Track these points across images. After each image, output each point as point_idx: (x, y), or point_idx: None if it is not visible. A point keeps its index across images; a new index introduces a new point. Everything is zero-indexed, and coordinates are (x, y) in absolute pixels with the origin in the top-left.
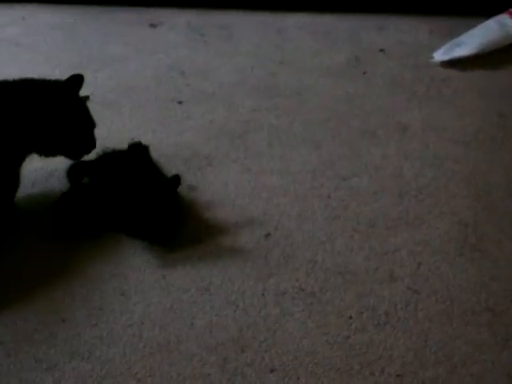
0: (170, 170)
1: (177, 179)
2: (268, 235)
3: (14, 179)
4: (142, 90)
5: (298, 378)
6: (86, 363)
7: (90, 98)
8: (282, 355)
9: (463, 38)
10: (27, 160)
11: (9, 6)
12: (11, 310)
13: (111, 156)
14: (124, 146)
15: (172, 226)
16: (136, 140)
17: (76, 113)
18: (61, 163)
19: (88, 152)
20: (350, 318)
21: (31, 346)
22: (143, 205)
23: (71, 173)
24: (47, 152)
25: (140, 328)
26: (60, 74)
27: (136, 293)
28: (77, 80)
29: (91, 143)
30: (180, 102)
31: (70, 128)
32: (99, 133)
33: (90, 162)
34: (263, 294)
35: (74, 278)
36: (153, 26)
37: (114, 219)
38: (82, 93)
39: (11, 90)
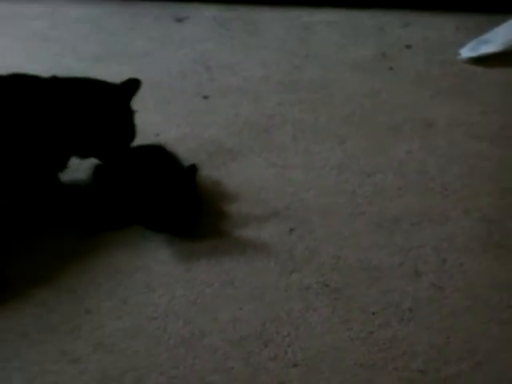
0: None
1: (193, 169)
2: (292, 230)
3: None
4: (167, 85)
5: (321, 373)
6: (110, 355)
7: None
8: (306, 350)
9: (489, 35)
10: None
11: (35, 0)
12: (36, 301)
13: (132, 151)
14: (148, 140)
15: (191, 215)
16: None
17: (125, 119)
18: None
19: (119, 157)
20: (374, 313)
21: (56, 337)
22: (160, 195)
23: (97, 168)
24: (87, 154)
25: (164, 321)
26: (86, 67)
27: (160, 286)
28: (133, 84)
29: (126, 149)
30: (205, 97)
31: (117, 134)
32: None
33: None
34: (287, 289)
35: (98, 271)
36: (178, 20)
37: (135, 212)
38: None
39: (64, 88)
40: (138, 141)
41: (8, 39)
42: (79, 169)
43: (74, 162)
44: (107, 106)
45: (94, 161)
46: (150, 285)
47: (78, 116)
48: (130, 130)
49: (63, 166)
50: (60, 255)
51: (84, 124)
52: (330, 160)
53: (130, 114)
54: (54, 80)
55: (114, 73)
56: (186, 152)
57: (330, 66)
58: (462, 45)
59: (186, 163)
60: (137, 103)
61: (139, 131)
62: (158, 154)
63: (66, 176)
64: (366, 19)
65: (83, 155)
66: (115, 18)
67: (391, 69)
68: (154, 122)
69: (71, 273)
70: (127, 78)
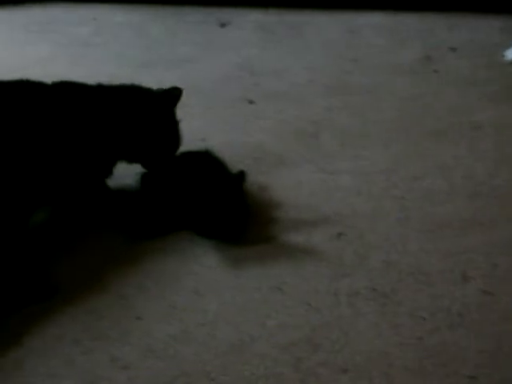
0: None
1: (242, 175)
2: (341, 235)
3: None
4: (212, 90)
5: (371, 379)
6: (160, 361)
7: None
8: (355, 355)
9: None
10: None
11: (80, 6)
12: (86, 307)
13: (179, 157)
14: (194, 146)
15: (239, 221)
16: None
17: (169, 126)
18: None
19: (163, 164)
20: (423, 318)
21: (106, 343)
22: (209, 202)
23: (145, 174)
24: (132, 160)
25: (213, 327)
26: (130, 73)
27: (209, 291)
28: (175, 92)
29: (170, 157)
30: (251, 102)
31: (160, 141)
32: None
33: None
34: (336, 294)
35: (147, 276)
36: (222, 25)
37: (183, 218)
38: None
39: (110, 96)
40: (185, 146)
41: (51, 45)
42: (127, 174)
43: (122, 167)
44: (151, 113)
45: (141, 167)
46: (198, 290)
47: (123, 123)
48: (174, 138)
49: (109, 171)
50: (109, 261)
51: (128, 131)
52: (378, 165)
53: (173, 121)
54: (100, 87)
55: (158, 79)
56: (232, 157)
57: (376, 69)
58: (507, 47)
59: (233, 169)
60: (182, 109)
61: (185, 136)
62: (206, 160)
63: (115, 182)
64: (411, 22)
65: (129, 161)
66: (158, 24)
67: (436, 72)
68: (199, 127)
69: (120, 278)
70: (172, 84)
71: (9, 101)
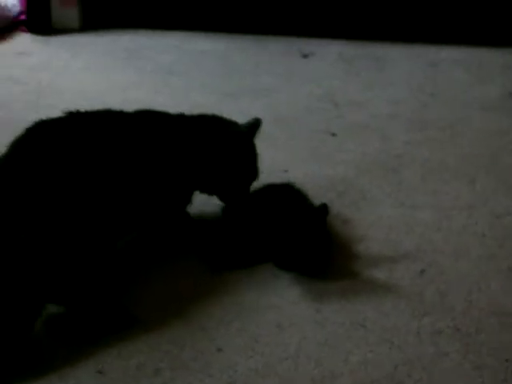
0: (322, 201)
1: (324, 208)
2: (423, 271)
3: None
4: (294, 121)
5: None
6: None
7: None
8: None
9: None
10: None
11: (162, 34)
12: (168, 337)
13: (262, 189)
14: (277, 177)
15: (322, 255)
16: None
17: (248, 159)
18: None
19: (239, 197)
20: (507, 360)
21: (187, 374)
22: (291, 234)
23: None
24: (209, 192)
25: (295, 361)
26: (213, 102)
27: (291, 325)
28: (256, 124)
29: (246, 189)
30: (333, 134)
31: (240, 173)
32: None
33: None
34: (418, 332)
35: (229, 309)
36: (304, 56)
37: (265, 250)
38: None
39: (192, 127)
40: (267, 177)
41: (135, 72)
42: (208, 203)
43: (203, 196)
44: (231, 145)
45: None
46: (280, 324)
47: (203, 154)
48: (253, 171)
49: (188, 200)
50: (190, 291)
51: (208, 162)
52: (459, 201)
53: (253, 154)
54: (182, 117)
55: (241, 108)
56: (314, 190)
57: (457, 104)
58: None
59: (316, 201)
60: (265, 139)
61: (268, 167)
62: (289, 193)
63: (196, 209)
64: (492, 57)
65: (206, 192)
66: (241, 53)
67: None
68: (281, 159)
69: (202, 309)
70: (255, 114)
71: (93, 131)
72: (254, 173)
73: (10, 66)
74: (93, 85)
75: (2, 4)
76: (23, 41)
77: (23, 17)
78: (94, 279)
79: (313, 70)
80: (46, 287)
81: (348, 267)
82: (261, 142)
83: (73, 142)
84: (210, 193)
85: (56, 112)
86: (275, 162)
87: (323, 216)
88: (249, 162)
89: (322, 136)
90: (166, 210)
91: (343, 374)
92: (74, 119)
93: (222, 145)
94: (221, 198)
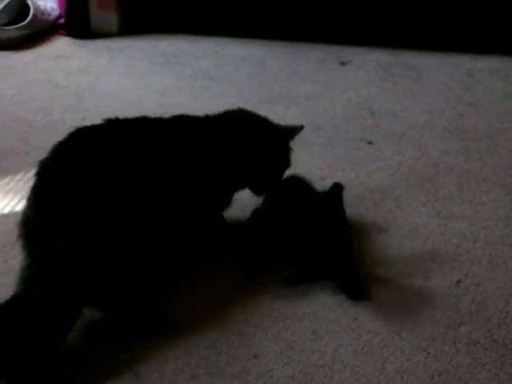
0: (359, 210)
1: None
2: (459, 282)
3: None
4: (331, 129)
5: None
6: None
7: None
8: None
9: None
10: None
11: (201, 39)
12: (205, 342)
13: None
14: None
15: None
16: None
17: (283, 158)
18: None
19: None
20: None
21: (224, 379)
22: (324, 245)
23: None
24: (244, 186)
25: (331, 369)
26: (251, 108)
27: (327, 333)
28: (297, 128)
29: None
30: (370, 142)
31: (277, 166)
32: (289, 170)
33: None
34: (454, 342)
35: (266, 315)
36: (342, 63)
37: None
38: None
39: (229, 127)
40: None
41: (173, 77)
42: (234, 206)
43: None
44: (270, 147)
45: (251, 199)
46: (316, 331)
47: (245, 153)
48: (287, 161)
49: (228, 203)
50: (227, 296)
51: (250, 159)
52: (497, 211)
53: (286, 146)
54: (216, 118)
55: (279, 115)
56: (350, 198)
57: (495, 114)
58: None
59: (351, 210)
60: (303, 146)
61: (305, 175)
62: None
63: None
64: None
65: (243, 188)
66: (279, 60)
67: None
68: (318, 166)
69: (237, 315)
70: (291, 120)
71: (135, 138)
72: (287, 163)
73: (49, 69)
74: (131, 89)
75: (42, 8)
76: (62, 44)
77: (62, 20)
78: (133, 283)
79: (350, 77)
80: (85, 290)
81: (384, 276)
82: (298, 149)
83: (116, 148)
84: (244, 187)
85: (95, 116)
86: (312, 170)
87: (338, 194)
88: (284, 154)
89: (358, 144)
90: (210, 214)
91: (379, 383)
92: (115, 126)
93: (261, 140)
94: (253, 190)
